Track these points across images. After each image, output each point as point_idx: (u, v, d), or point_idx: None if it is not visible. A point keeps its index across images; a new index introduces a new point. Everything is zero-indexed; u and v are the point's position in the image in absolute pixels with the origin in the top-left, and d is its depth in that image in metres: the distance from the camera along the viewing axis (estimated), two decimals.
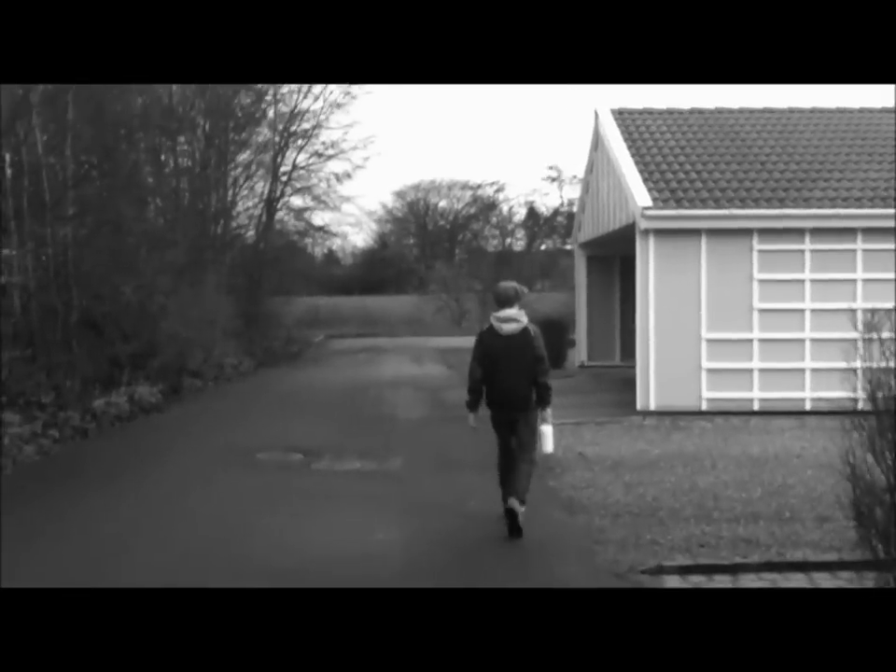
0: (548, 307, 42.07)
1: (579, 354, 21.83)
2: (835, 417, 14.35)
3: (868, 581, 6.51)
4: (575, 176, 52.94)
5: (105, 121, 18.09)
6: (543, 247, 56.20)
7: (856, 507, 5.80)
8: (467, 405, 8.32)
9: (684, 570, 6.80)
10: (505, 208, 56.05)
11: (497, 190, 55.34)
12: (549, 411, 8.04)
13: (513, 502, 7.70)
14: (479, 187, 55.98)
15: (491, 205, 55.42)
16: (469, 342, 33.19)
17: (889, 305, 13.65)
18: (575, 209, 49.77)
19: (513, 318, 7.88)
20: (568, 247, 56.58)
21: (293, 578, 6.64)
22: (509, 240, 55.82)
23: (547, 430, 8.01)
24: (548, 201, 56.72)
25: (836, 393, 14.28)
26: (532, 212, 56.05)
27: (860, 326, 11.88)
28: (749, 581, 6.60)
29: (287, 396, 18.99)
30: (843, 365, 13.89)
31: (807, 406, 14.02)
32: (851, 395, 14.04)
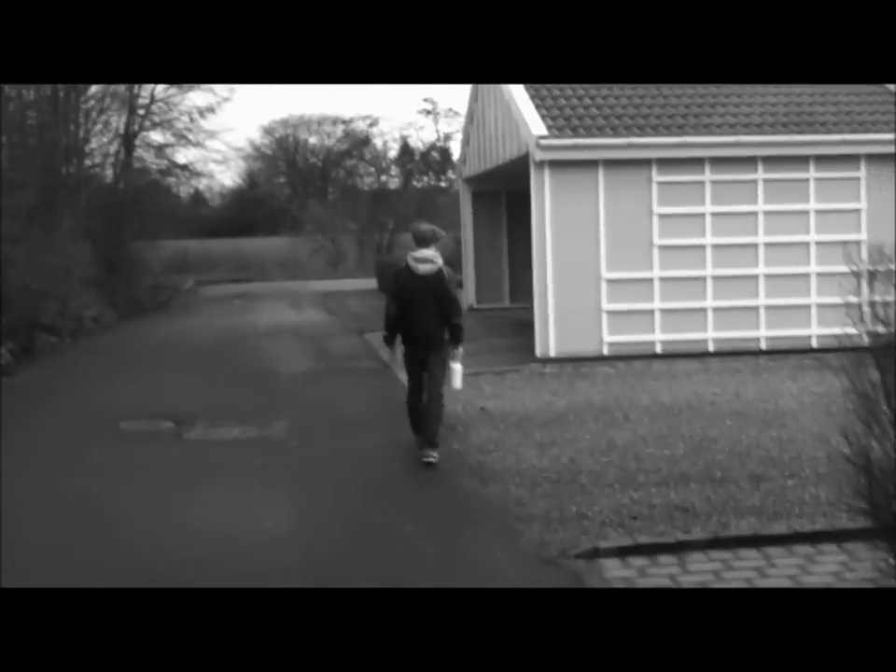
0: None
1: (466, 296, 20.85)
2: (738, 358, 14.02)
3: (830, 555, 5.80)
4: (451, 109, 51.57)
5: None
6: (419, 185, 54.88)
7: (870, 497, 4.92)
8: (384, 340, 8.77)
9: (623, 552, 5.93)
10: (379, 143, 54.30)
11: (371, 125, 53.24)
12: (460, 349, 8.39)
13: (429, 453, 8.15)
14: (351, 121, 53.98)
15: (364, 141, 53.59)
16: (347, 285, 32.31)
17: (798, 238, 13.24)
18: (458, 141, 48.40)
19: (429, 259, 8.14)
20: (443, 185, 55.84)
21: (165, 578, 5.49)
22: (384, 177, 54.18)
23: (457, 368, 8.38)
24: (424, 135, 55.00)
25: (738, 332, 13.92)
26: (406, 148, 54.48)
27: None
28: (698, 563, 5.78)
29: (154, 351, 17.44)
30: (744, 303, 13.48)
31: (710, 347, 13.44)
32: (752, 334, 13.72)
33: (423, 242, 8.28)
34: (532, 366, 13.19)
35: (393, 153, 54.15)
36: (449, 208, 47.18)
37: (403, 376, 13.05)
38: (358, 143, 54.44)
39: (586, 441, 8.98)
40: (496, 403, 11.03)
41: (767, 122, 13.44)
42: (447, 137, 52.45)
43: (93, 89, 29.25)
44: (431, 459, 8.16)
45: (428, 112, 51.57)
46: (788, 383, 11.80)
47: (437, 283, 8.16)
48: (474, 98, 18.34)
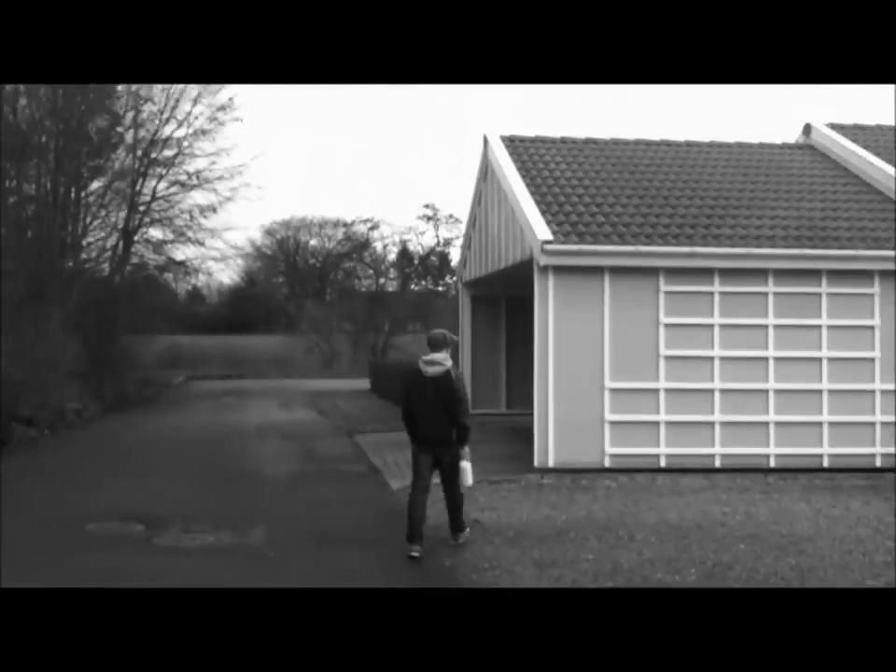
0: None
1: None
2: (746, 475, 13.37)
3: None
4: (451, 215, 51.92)
5: None
6: (416, 288, 54.86)
7: None
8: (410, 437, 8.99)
9: None
10: (379, 247, 54.51)
11: (371, 228, 53.48)
12: (467, 449, 8.66)
13: (457, 535, 8.88)
14: (352, 224, 54.24)
15: (364, 244, 53.76)
16: (340, 385, 31.68)
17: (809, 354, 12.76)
18: (458, 247, 48.61)
19: (438, 362, 8.56)
20: (440, 289, 55.90)
21: None
22: (382, 280, 54.23)
23: (466, 466, 8.66)
24: (424, 240, 55.11)
25: (746, 449, 13.32)
26: (405, 251, 54.67)
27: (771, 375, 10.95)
28: None
29: (133, 448, 16.72)
30: (753, 418, 12.90)
31: (717, 463, 12.81)
32: (761, 451, 13.12)
33: (435, 346, 8.69)
34: (529, 476, 12.52)
35: (392, 256, 54.33)
36: (446, 312, 47.24)
37: (393, 482, 12.48)
38: (358, 245, 54.60)
39: (589, 563, 8.28)
40: (491, 515, 10.35)
41: (779, 235, 13.10)
42: (447, 242, 52.71)
43: (94, 185, 29.27)
44: (461, 540, 8.88)
45: (429, 218, 51.90)
46: (801, 504, 11.12)
47: (444, 384, 8.50)
48: (477, 202, 18.11)
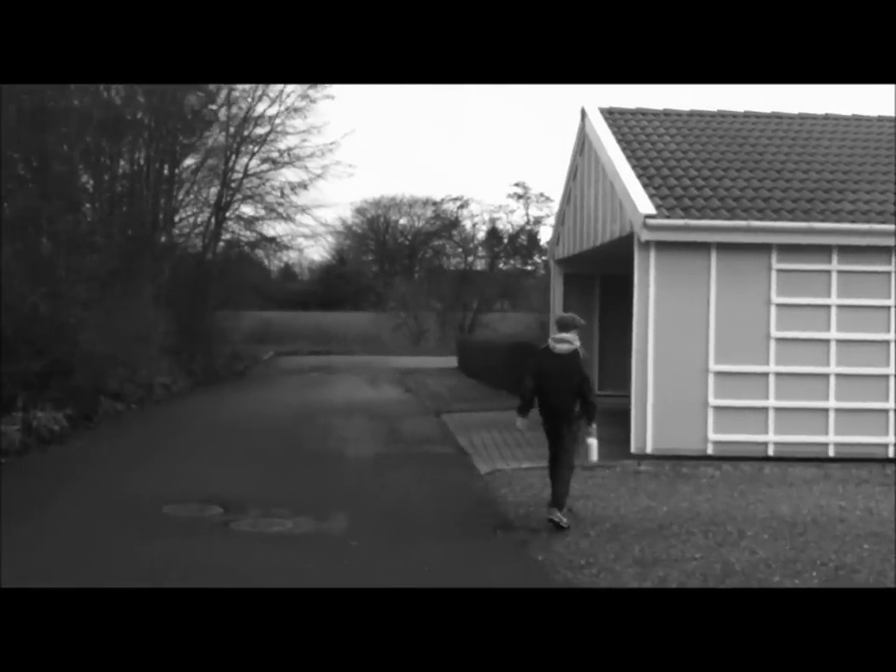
0: (512, 329, 40.11)
1: None
2: (862, 465, 12.42)
3: None
4: (542, 194, 51.00)
5: (41, 121, 15.78)
6: (504, 267, 54.15)
7: None
8: (517, 410, 9.22)
9: None
10: (468, 225, 53.86)
11: (461, 206, 52.81)
12: (594, 426, 8.88)
13: (553, 512, 8.74)
14: (441, 202, 53.65)
15: (454, 222, 53.18)
16: (427, 362, 31.31)
17: None
18: (548, 226, 47.63)
19: (567, 340, 8.93)
20: (529, 268, 55.07)
21: None
22: (470, 258, 53.61)
23: (592, 442, 8.87)
24: (513, 218, 54.20)
25: (863, 437, 12.35)
26: (494, 231, 53.94)
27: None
28: None
29: (219, 424, 16.50)
30: (871, 405, 11.93)
31: (831, 452, 11.88)
32: (879, 440, 12.14)
33: (564, 327, 9.06)
34: (626, 462, 11.81)
35: (481, 235, 53.66)
36: (535, 291, 46.52)
37: (481, 465, 11.93)
38: (448, 224, 54.07)
39: (696, 562, 7.57)
40: (585, 505, 9.70)
41: None
42: (537, 221, 51.80)
43: (187, 161, 29.33)
44: (554, 518, 8.73)
45: (519, 196, 51.05)
46: None
47: (571, 362, 8.85)
48: (572, 177, 17.29)
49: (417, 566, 7.41)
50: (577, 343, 8.95)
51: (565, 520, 8.73)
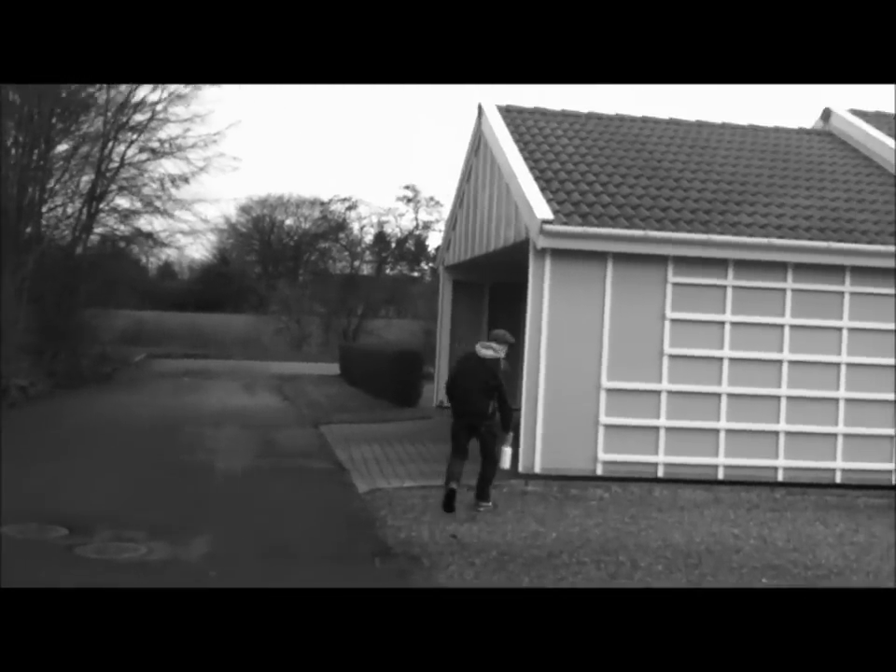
0: (397, 336, 39.44)
1: (437, 391, 18.91)
2: (751, 489, 12.11)
3: None
4: (432, 198, 50.54)
5: None
6: (391, 272, 53.52)
7: None
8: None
9: None
10: (356, 227, 52.97)
11: (349, 208, 51.88)
12: (511, 434, 9.91)
13: (480, 503, 9.78)
14: (329, 202, 52.60)
15: (341, 224, 52.22)
16: (309, 368, 30.09)
17: (820, 358, 11.53)
18: (437, 231, 47.05)
19: (492, 348, 9.81)
20: (416, 274, 54.55)
21: None
22: (357, 262, 52.74)
23: (507, 450, 9.87)
24: (402, 222, 53.61)
25: (753, 460, 12.08)
26: (382, 235, 53.27)
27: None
28: None
29: (77, 431, 15.23)
30: (762, 427, 11.66)
31: (720, 474, 11.54)
32: (769, 463, 11.89)
33: (494, 339, 9.96)
34: (513, 482, 11.19)
35: (369, 238, 52.89)
36: (421, 298, 45.98)
37: (360, 483, 11.16)
38: (335, 226, 53.13)
39: None
40: (469, 529, 9.04)
41: (801, 226, 11.79)
42: (426, 226, 51.42)
43: (61, 147, 27.62)
44: (482, 508, 9.69)
45: (409, 199, 50.56)
46: (819, 527, 9.88)
47: (490, 365, 9.67)
48: (466, 179, 16.70)
49: None
50: (501, 354, 9.74)
51: (487, 504, 9.72)
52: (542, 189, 11.66)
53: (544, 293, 11.22)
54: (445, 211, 43.44)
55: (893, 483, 11.71)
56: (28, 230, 25.94)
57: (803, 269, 11.57)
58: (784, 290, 11.60)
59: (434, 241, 51.72)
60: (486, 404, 9.56)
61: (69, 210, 28.86)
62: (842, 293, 11.66)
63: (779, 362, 11.62)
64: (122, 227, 32.35)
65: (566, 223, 11.08)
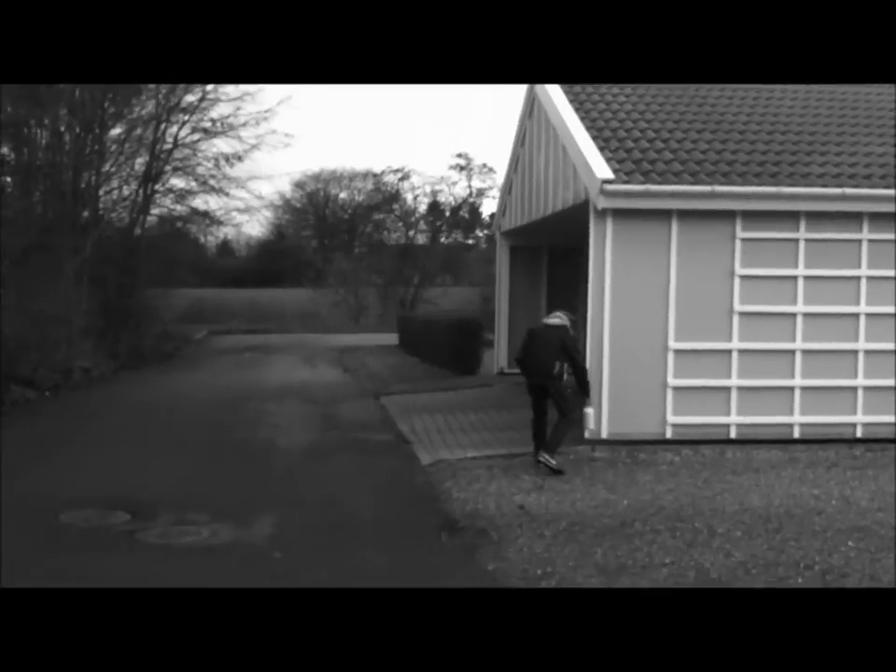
0: (454, 304, 39.15)
1: (497, 358, 18.66)
2: (828, 447, 11.65)
3: None
4: (485, 165, 50.03)
5: None
6: (446, 241, 53.16)
7: None
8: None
9: None
10: (409, 198, 52.63)
11: (402, 178, 51.49)
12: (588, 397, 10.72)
13: (543, 455, 9.94)
14: (382, 174, 52.27)
15: (394, 195, 51.91)
16: (368, 339, 30.20)
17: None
18: (491, 198, 46.55)
19: (560, 317, 10.38)
20: (471, 242, 54.07)
21: None
22: (412, 232, 52.46)
23: (589, 412, 10.79)
24: (455, 191, 53.11)
25: (830, 417, 11.62)
26: (436, 204, 52.86)
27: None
28: None
29: (139, 411, 15.26)
30: (839, 382, 11.18)
31: (795, 433, 11.11)
32: (847, 419, 11.43)
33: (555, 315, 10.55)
34: (579, 449, 10.90)
35: (423, 208, 52.53)
36: (477, 265, 45.58)
37: (423, 455, 10.96)
38: (388, 197, 52.84)
39: (667, 569, 6.69)
40: (538, 499, 8.78)
41: (876, 174, 11.19)
42: (479, 193, 50.86)
43: (114, 131, 27.72)
44: (542, 460, 9.89)
45: (462, 167, 50.03)
46: None
47: (560, 332, 10.16)
48: (520, 143, 16.28)
49: (350, 581, 6.40)
50: (568, 323, 10.29)
51: (553, 462, 9.80)
52: (601, 149, 11.23)
53: (606, 255, 10.84)
54: (498, 178, 42.99)
55: None
56: (85, 213, 26.12)
57: (878, 218, 11.00)
58: (859, 241, 11.06)
59: (488, 208, 51.23)
60: (553, 365, 9.98)
61: (125, 192, 28.98)
62: None
63: (855, 315, 11.11)
64: (179, 207, 32.45)
65: (627, 182, 10.66)
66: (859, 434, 11.19)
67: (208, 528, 7.69)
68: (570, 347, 10.06)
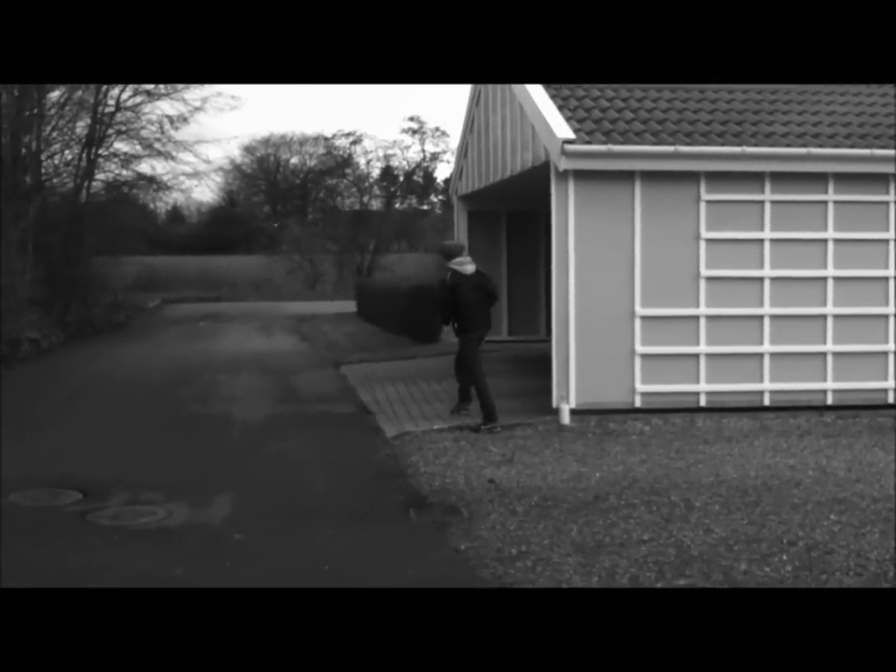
0: (410, 270, 38.66)
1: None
2: (798, 414, 11.52)
3: None
4: (438, 128, 49.42)
5: None
6: (400, 206, 52.53)
7: None
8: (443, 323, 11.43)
9: None
10: (362, 162, 51.79)
11: (353, 142, 50.46)
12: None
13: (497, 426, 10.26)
14: (333, 137, 51.32)
15: (346, 160, 51.05)
16: (324, 307, 29.54)
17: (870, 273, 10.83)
18: (445, 161, 45.95)
19: (470, 262, 10.38)
20: (425, 207, 53.49)
21: None
22: (366, 198, 51.70)
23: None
24: (409, 155, 52.30)
25: (800, 384, 11.49)
26: (389, 169, 52.11)
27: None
28: None
29: (88, 385, 14.73)
30: (809, 348, 11.04)
31: (766, 400, 10.96)
32: (817, 386, 11.30)
33: (455, 253, 10.48)
34: (547, 419, 10.68)
35: (376, 173, 51.78)
36: (431, 231, 45.08)
37: (387, 427, 10.66)
38: (341, 162, 51.95)
39: (646, 546, 6.45)
40: (508, 473, 8.52)
41: (841, 134, 11.00)
42: (433, 157, 50.18)
43: (55, 93, 26.77)
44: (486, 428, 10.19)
45: (414, 131, 49.25)
46: (879, 453, 9.30)
47: (483, 279, 10.40)
48: (475, 103, 15.85)
49: (314, 564, 6.09)
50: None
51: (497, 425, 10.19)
52: (560, 108, 10.89)
53: (569, 218, 10.53)
54: (453, 142, 42.38)
55: None
56: (27, 179, 25.25)
57: (845, 179, 10.82)
58: (826, 203, 10.88)
59: (442, 173, 50.71)
60: (490, 317, 10.56)
61: (68, 157, 28.09)
62: (887, 203, 10.93)
63: (824, 279, 10.95)
64: (124, 172, 31.59)
65: (588, 142, 10.33)
66: (829, 401, 11.08)
67: (163, 508, 7.32)
68: (497, 296, 10.72)
